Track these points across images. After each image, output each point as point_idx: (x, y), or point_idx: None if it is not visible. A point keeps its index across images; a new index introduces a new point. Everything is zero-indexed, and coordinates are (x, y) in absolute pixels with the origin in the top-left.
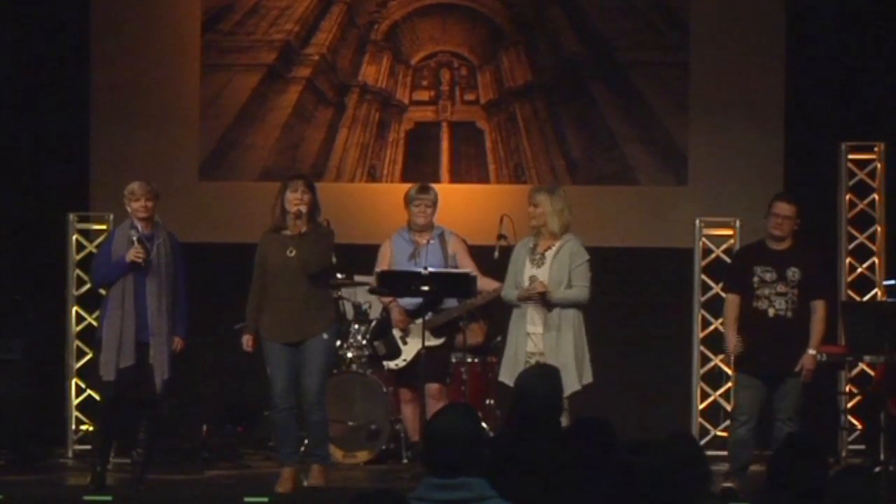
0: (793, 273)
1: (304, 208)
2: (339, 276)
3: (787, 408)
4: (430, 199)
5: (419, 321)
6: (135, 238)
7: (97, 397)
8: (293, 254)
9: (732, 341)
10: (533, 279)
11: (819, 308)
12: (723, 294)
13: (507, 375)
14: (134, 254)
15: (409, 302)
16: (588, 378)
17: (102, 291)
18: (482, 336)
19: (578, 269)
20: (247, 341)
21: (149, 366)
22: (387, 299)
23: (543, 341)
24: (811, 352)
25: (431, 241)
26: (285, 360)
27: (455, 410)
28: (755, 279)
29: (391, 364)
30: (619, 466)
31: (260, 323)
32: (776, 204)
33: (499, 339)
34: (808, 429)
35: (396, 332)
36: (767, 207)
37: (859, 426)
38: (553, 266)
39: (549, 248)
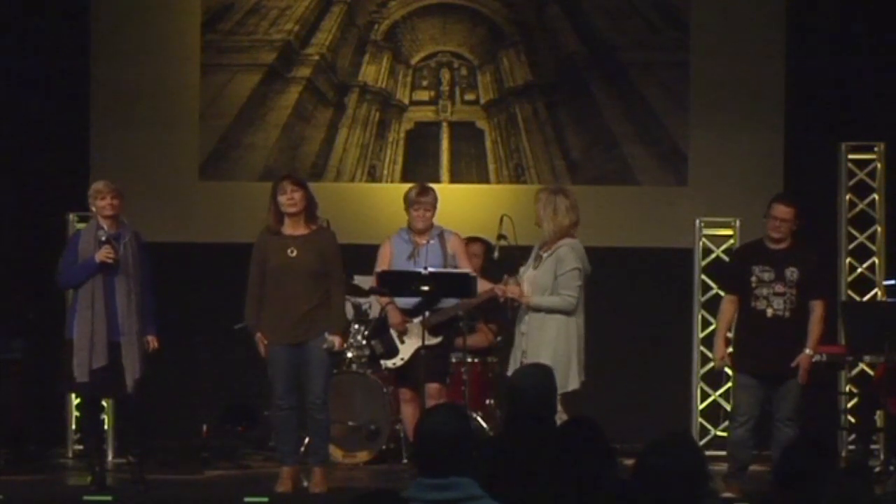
0: (791, 273)
1: (295, 208)
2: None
3: (786, 409)
4: (429, 201)
5: (417, 320)
6: (103, 238)
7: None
8: (294, 254)
9: (721, 352)
10: (516, 280)
11: (817, 308)
12: (722, 294)
13: (510, 372)
14: (104, 254)
15: (406, 302)
16: (575, 385)
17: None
18: (487, 342)
19: (563, 276)
20: (260, 339)
21: (121, 365)
22: (384, 300)
23: (526, 341)
24: (808, 352)
25: (431, 242)
26: (286, 361)
27: (444, 411)
28: (753, 279)
29: (388, 363)
30: (609, 467)
31: (262, 323)
32: (774, 206)
33: (498, 339)
34: (808, 429)
35: (394, 332)
36: (766, 209)
37: (859, 426)
38: (540, 270)
39: (549, 250)
